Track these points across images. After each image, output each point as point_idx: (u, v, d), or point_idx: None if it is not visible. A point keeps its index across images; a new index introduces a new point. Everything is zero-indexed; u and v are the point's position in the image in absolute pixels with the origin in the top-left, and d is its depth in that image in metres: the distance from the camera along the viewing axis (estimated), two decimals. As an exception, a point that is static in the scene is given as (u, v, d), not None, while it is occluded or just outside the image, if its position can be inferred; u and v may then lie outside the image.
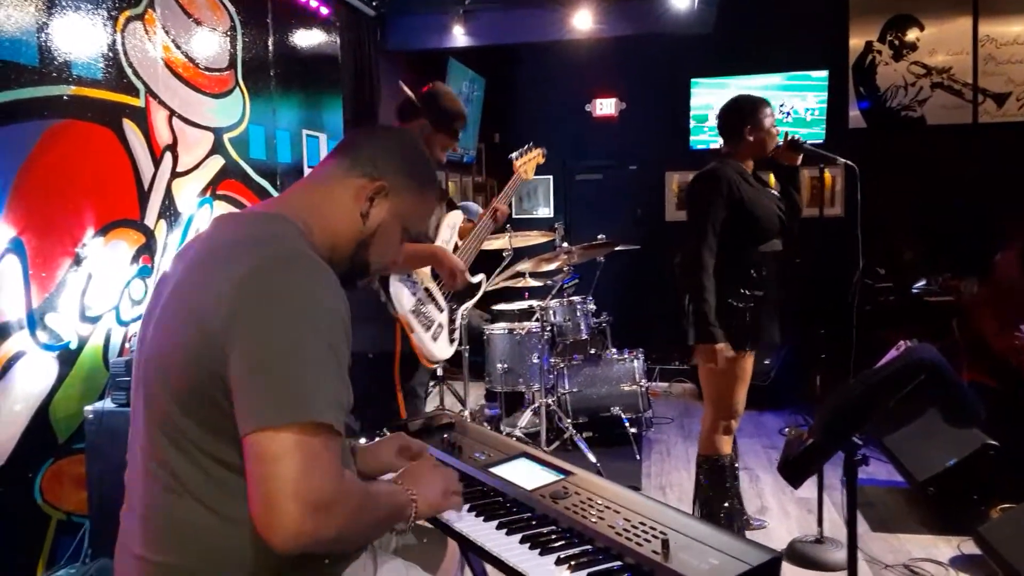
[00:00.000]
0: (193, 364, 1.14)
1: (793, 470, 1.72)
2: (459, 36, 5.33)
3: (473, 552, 1.41)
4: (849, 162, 2.94)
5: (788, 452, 1.79)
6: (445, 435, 1.92)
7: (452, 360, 4.68)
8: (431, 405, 4.48)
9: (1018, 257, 5.13)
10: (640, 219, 7.07)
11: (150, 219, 3.10)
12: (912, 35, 6.54)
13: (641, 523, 1.32)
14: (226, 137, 3.61)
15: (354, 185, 1.35)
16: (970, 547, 2.93)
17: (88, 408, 2.61)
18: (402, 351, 2.65)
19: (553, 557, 1.28)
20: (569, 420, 4.28)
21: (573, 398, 4.43)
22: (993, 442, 3.09)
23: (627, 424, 4.36)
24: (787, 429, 4.82)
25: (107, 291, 2.87)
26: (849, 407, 1.69)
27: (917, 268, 5.95)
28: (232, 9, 3.67)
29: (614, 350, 4.68)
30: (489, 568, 1.49)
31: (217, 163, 3.55)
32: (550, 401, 4.25)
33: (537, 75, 7.16)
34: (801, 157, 2.98)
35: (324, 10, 4.55)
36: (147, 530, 1.21)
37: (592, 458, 3.97)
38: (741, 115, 2.95)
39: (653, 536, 1.27)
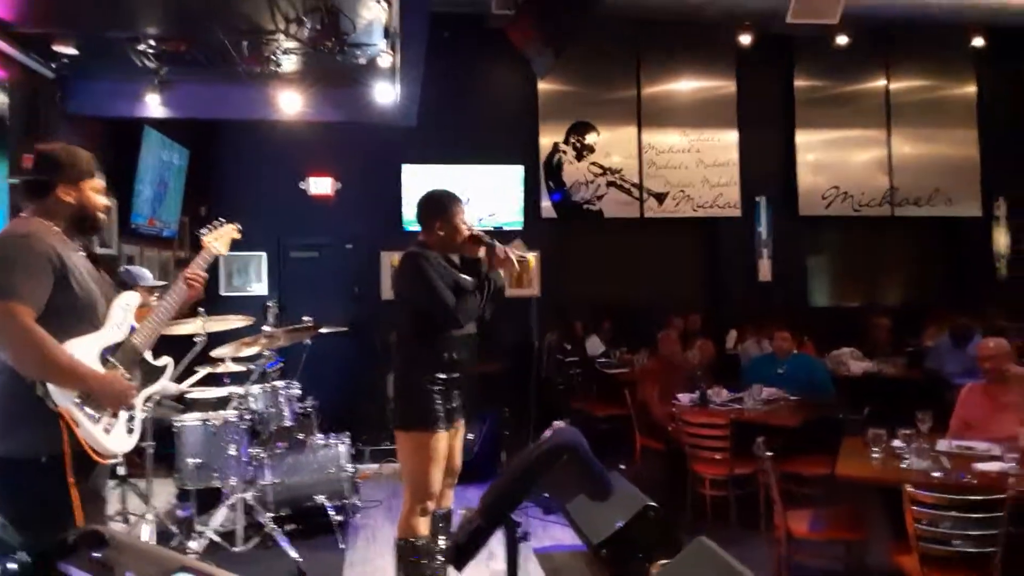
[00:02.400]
0: None
1: (459, 554, 1.81)
2: (155, 106, 5.03)
3: None
4: (524, 256, 3.24)
5: (458, 535, 1.87)
6: (96, 554, 1.72)
7: (136, 455, 4.22)
8: (110, 509, 3.97)
9: (678, 334, 6.02)
10: (357, 296, 7.11)
11: None
12: (591, 139, 7.53)
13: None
14: None
15: None
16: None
17: None
18: (73, 449, 2.33)
19: None
20: (269, 515, 4.04)
21: (275, 489, 4.22)
22: (652, 503, 3.49)
23: (332, 512, 4.25)
24: (461, 511, 5.00)
25: None
26: (505, 488, 1.83)
27: (598, 342, 6.71)
28: None
29: (320, 435, 4.57)
30: None
31: None
32: (248, 496, 4.00)
33: (248, 149, 6.97)
34: (484, 249, 3.23)
35: (-12, 67, 4.06)
36: None
37: (293, 554, 3.78)
38: (432, 210, 3.15)
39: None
